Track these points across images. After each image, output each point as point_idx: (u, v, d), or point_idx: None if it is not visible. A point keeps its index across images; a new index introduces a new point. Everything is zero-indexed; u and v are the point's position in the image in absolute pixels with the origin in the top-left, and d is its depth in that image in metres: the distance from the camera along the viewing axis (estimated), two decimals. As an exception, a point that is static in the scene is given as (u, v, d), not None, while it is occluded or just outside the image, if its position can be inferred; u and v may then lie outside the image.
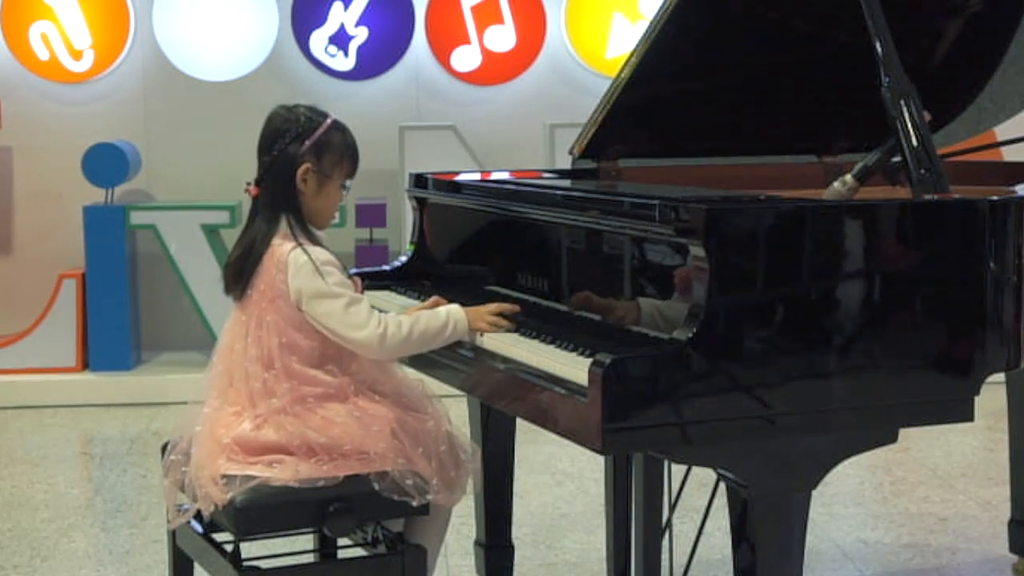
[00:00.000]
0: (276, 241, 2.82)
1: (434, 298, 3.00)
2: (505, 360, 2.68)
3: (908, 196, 2.74)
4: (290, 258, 2.78)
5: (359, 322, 2.77)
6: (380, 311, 3.10)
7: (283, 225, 2.83)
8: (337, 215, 2.94)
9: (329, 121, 2.89)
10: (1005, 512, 3.84)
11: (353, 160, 2.92)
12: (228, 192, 6.24)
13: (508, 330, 2.81)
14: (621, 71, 3.19)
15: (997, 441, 5.14)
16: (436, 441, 2.85)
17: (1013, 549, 3.81)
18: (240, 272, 2.85)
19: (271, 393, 2.78)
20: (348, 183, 2.92)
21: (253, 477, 2.70)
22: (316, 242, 2.85)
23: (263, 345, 2.79)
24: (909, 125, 2.73)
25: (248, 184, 2.90)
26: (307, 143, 2.84)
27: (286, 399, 2.77)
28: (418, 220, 3.46)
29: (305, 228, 2.85)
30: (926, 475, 4.93)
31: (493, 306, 2.86)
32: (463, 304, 2.88)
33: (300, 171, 2.84)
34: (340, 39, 6.72)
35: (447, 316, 2.82)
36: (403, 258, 3.46)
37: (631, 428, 2.28)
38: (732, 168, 3.48)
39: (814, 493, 2.50)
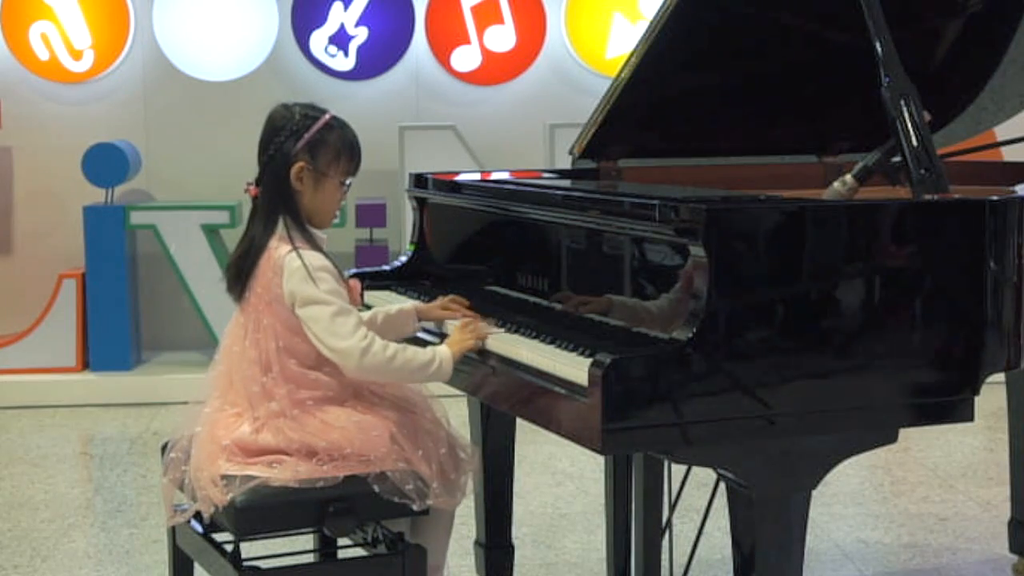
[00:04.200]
0: (273, 243, 2.78)
1: (452, 296, 2.99)
2: (505, 361, 2.67)
3: (908, 196, 2.74)
4: (285, 261, 2.74)
5: (344, 332, 2.71)
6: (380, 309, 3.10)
7: (280, 226, 2.79)
8: (338, 214, 2.91)
9: (325, 119, 2.83)
10: (1005, 512, 3.84)
11: (352, 157, 2.86)
12: (228, 192, 6.23)
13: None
14: (621, 71, 3.19)
15: (997, 441, 5.14)
16: (436, 443, 2.83)
17: (1013, 549, 3.81)
18: (239, 273, 2.82)
19: (269, 396, 2.76)
20: (348, 181, 2.86)
21: (253, 477, 2.70)
22: (314, 244, 2.80)
23: (261, 348, 2.78)
24: (909, 125, 2.73)
25: (248, 184, 2.87)
26: (301, 141, 2.79)
27: (284, 403, 2.75)
28: (418, 220, 3.46)
29: (303, 229, 2.81)
30: (926, 475, 4.93)
31: (468, 326, 2.82)
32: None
33: (294, 170, 2.79)
34: (340, 39, 6.72)
35: (433, 354, 2.76)
36: (403, 258, 3.46)
37: (631, 428, 2.28)
38: (732, 168, 3.48)
39: (814, 493, 2.50)
